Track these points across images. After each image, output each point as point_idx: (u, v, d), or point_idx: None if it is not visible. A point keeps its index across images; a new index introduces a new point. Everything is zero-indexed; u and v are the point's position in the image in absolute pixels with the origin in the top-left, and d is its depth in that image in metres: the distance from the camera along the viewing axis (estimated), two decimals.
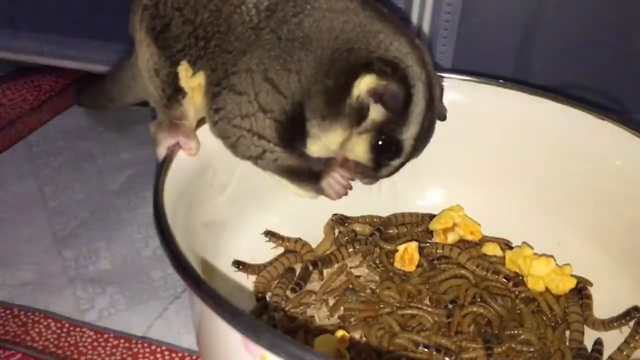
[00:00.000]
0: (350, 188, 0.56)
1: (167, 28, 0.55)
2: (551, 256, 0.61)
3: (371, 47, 0.51)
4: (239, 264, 0.61)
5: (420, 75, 0.51)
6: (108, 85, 0.70)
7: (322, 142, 0.54)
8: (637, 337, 0.54)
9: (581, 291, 0.60)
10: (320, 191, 0.56)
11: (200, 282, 0.42)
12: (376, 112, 0.51)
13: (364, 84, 0.50)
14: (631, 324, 0.55)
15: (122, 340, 0.60)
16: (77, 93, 0.83)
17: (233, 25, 0.53)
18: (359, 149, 0.53)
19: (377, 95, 0.50)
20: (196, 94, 0.57)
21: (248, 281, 0.61)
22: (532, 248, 0.63)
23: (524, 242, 0.64)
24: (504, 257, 0.64)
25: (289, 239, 0.64)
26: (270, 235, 0.64)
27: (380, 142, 0.52)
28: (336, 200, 0.56)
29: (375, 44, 0.51)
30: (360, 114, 0.51)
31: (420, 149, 0.54)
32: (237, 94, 0.53)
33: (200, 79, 0.56)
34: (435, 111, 0.54)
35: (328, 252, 0.64)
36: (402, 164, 0.54)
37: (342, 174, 0.55)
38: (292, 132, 0.53)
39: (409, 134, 0.52)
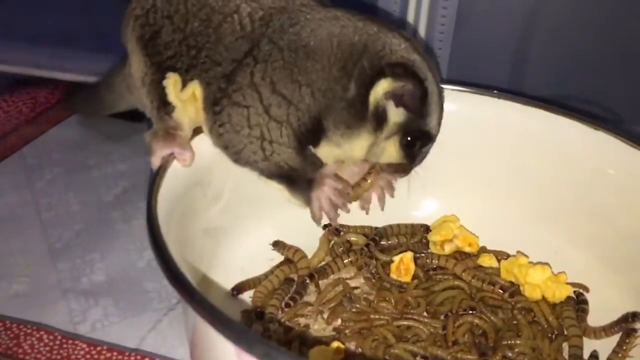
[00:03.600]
0: (344, 206, 0.57)
1: (157, 35, 0.55)
2: (546, 264, 0.61)
3: (378, 51, 0.52)
4: (238, 290, 0.60)
5: (424, 64, 0.53)
6: (102, 92, 0.70)
7: (344, 148, 0.55)
8: (624, 347, 0.54)
9: (579, 303, 0.59)
10: (308, 202, 0.57)
11: (193, 293, 0.41)
12: (396, 115, 0.53)
13: (380, 88, 0.52)
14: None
15: (115, 353, 0.60)
16: (70, 98, 0.83)
17: (222, 35, 0.54)
18: (391, 151, 0.55)
19: (395, 97, 0.52)
20: (189, 105, 0.56)
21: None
22: (527, 257, 0.62)
23: (518, 251, 0.64)
24: (499, 269, 0.63)
25: (290, 248, 0.64)
26: (276, 244, 0.64)
27: (409, 139, 0.54)
28: (320, 215, 0.57)
29: (380, 47, 0.52)
30: (381, 117, 0.52)
31: (441, 124, 0.56)
32: (243, 108, 0.53)
33: (193, 88, 0.55)
34: (441, 86, 0.55)
35: (323, 262, 0.64)
36: (431, 145, 0.56)
37: (335, 186, 0.56)
38: (309, 137, 0.54)
39: (433, 122, 0.54)
